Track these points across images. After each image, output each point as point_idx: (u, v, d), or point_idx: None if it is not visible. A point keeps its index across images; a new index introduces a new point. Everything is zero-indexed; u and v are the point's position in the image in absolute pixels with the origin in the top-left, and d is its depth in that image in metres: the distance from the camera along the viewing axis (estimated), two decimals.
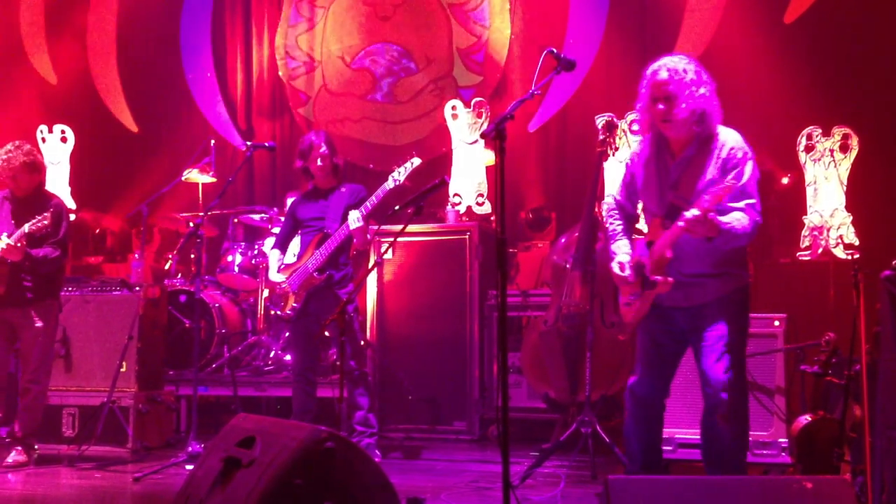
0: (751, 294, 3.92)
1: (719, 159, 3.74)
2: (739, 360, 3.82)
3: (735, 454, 3.83)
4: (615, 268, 3.95)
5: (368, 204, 5.41)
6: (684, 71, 3.74)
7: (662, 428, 4.11)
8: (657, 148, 3.93)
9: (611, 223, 4.14)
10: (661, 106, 3.76)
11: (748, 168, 3.73)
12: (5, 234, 5.45)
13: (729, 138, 3.79)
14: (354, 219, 5.36)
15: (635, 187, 4.04)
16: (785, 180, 6.79)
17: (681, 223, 3.58)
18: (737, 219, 3.62)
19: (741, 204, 3.64)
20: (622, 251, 3.99)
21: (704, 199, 3.53)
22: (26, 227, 5.36)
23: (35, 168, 5.69)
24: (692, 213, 3.54)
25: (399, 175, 5.42)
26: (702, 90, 3.74)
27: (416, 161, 5.46)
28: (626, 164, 4.12)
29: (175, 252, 7.58)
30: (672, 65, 3.77)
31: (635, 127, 6.60)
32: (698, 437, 4.25)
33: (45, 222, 5.35)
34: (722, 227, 3.57)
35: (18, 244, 5.35)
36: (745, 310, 3.89)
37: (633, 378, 4.08)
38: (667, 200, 3.83)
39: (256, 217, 7.56)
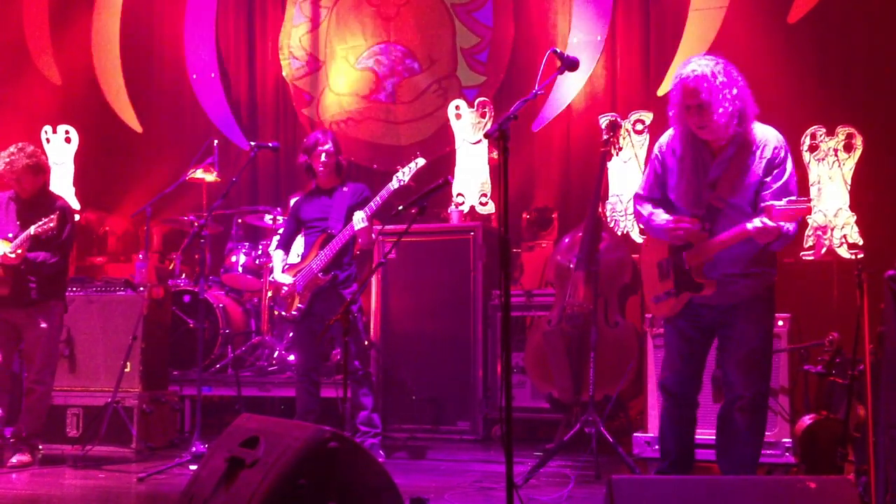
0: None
1: (763, 159, 3.75)
2: (766, 359, 3.88)
3: (748, 446, 3.85)
4: (672, 222, 3.81)
5: (373, 204, 5.42)
6: (714, 75, 3.69)
7: (695, 426, 4.10)
8: (692, 145, 3.87)
9: (642, 207, 4.02)
10: (695, 114, 3.72)
11: (789, 166, 3.77)
12: (4, 241, 5.47)
13: (769, 136, 3.80)
14: (359, 219, 5.37)
15: (666, 181, 3.97)
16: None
17: (750, 228, 3.56)
18: (787, 228, 3.63)
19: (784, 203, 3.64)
20: (664, 215, 3.88)
21: (778, 209, 3.50)
22: (32, 230, 5.38)
23: (39, 170, 5.70)
24: (765, 221, 3.52)
25: (403, 175, 5.43)
26: (734, 90, 3.71)
27: (421, 161, 5.47)
28: (655, 156, 4.04)
29: (179, 252, 7.61)
30: (701, 70, 3.70)
31: (639, 126, 6.60)
32: (704, 436, 4.26)
33: (52, 224, 5.37)
34: (782, 231, 3.58)
35: (16, 251, 5.38)
36: (773, 308, 3.93)
37: (663, 376, 4.09)
38: (704, 200, 3.81)
39: (268, 219, 7.56)
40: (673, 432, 4.06)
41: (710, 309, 3.88)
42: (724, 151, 3.81)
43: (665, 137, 4.03)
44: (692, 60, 3.81)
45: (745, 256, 3.80)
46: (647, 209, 4.02)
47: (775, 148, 3.77)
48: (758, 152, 3.77)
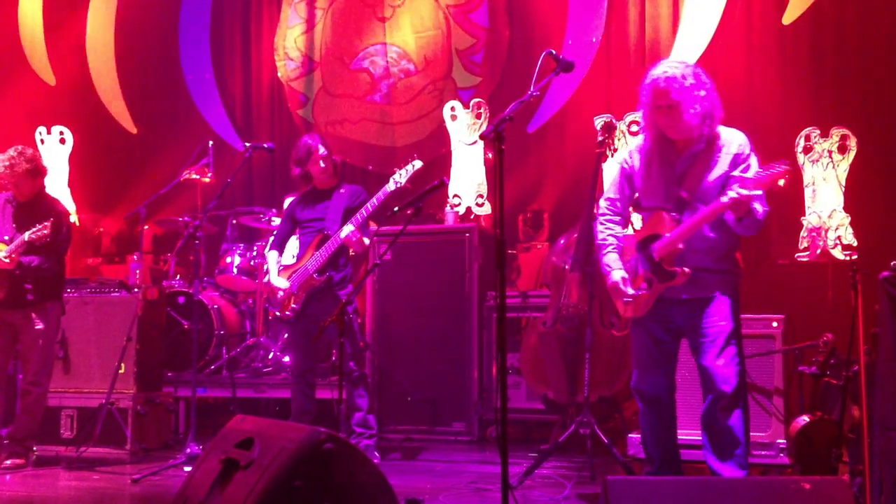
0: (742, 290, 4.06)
1: (728, 155, 3.89)
2: (739, 353, 3.94)
3: (737, 445, 3.90)
4: (619, 283, 3.98)
5: (370, 205, 5.41)
6: (683, 77, 3.84)
7: (676, 426, 4.16)
8: (659, 145, 4.01)
9: (602, 231, 4.16)
10: (664, 114, 3.87)
11: (754, 162, 3.89)
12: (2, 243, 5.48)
13: (734, 136, 3.94)
14: (348, 230, 5.35)
15: (633, 184, 4.11)
16: (781, 182, 6.76)
17: (725, 200, 3.66)
18: (755, 206, 3.75)
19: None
20: (617, 265, 4.04)
21: (752, 178, 3.63)
22: (26, 236, 5.38)
23: (37, 174, 5.68)
24: (740, 191, 3.62)
25: (400, 178, 5.42)
26: (702, 92, 3.85)
27: (418, 164, 5.46)
28: (623, 161, 4.18)
29: (174, 253, 7.59)
30: (671, 72, 3.86)
31: (634, 128, 6.61)
32: (697, 437, 4.27)
33: (45, 232, 5.36)
34: (752, 208, 3.70)
35: (10, 256, 5.38)
36: (739, 307, 4.00)
37: (634, 379, 4.12)
38: (674, 194, 3.92)
39: (264, 219, 7.56)
40: (654, 436, 4.13)
41: (681, 306, 3.95)
42: (689, 149, 3.94)
43: (633, 144, 4.22)
44: (662, 63, 3.96)
45: (714, 249, 3.90)
46: (604, 234, 4.13)
47: (740, 145, 3.92)
48: (723, 149, 3.91)
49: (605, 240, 4.13)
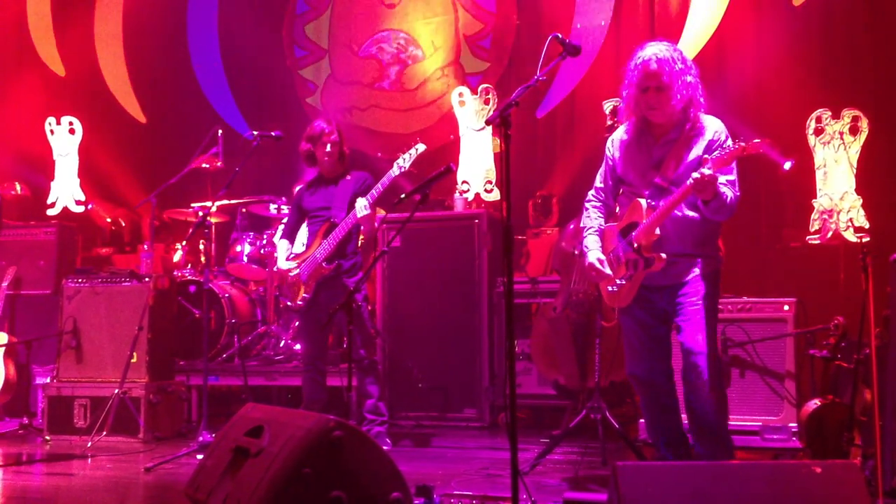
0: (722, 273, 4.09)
1: (704, 140, 3.90)
2: (714, 334, 3.97)
3: (722, 424, 3.96)
4: (595, 263, 4.06)
5: (374, 192, 5.40)
6: (673, 60, 3.87)
7: (678, 410, 4.15)
8: (638, 132, 4.06)
9: (587, 216, 4.22)
10: (651, 95, 3.89)
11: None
12: None
13: (712, 123, 3.97)
14: (362, 206, 5.35)
15: (616, 172, 4.15)
16: (787, 165, 6.74)
17: (689, 182, 3.67)
18: (724, 190, 3.77)
19: (723, 179, 3.77)
20: (595, 248, 4.10)
21: (714, 158, 3.65)
22: None
23: None
24: (703, 172, 3.63)
25: (404, 162, 5.42)
26: (689, 78, 3.89)
27: (421, 147, 5.45)
28: (608, 148, 4.21)
29: (184, 242, 7.61)
30: (662, 54, 3.88)
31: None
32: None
33: None
34: (718, 189, 3.71)
35: None
36: (718, 289, 4.03)
37: (629, 367, 4.16)
38: (649, 179, 3.95)
39: (272, 208, 7.56)
40: (655, 422, 4.16)
41: (661, 292, 3.98)
42: (666, 135, 3.98)
43: (617, 132, 4.22)
44: (650, 44, 3.97)
45: (693, 235, 3.91)
46: (587, 219, 4.22)
47: (716, 132, 3.93)
48: (701, 136, 3.92)
49: (586, 226, 4.21)
